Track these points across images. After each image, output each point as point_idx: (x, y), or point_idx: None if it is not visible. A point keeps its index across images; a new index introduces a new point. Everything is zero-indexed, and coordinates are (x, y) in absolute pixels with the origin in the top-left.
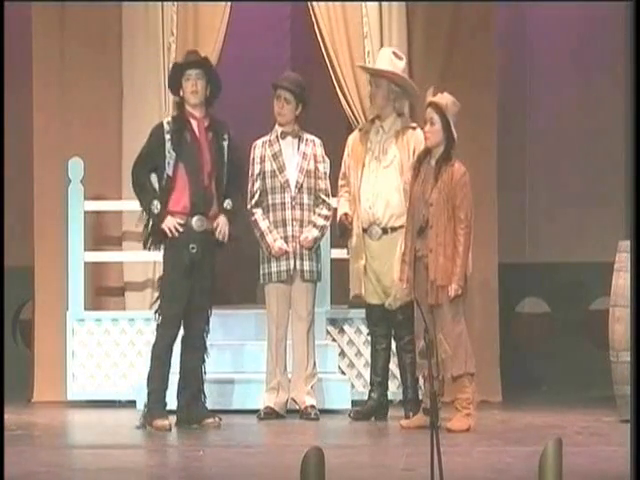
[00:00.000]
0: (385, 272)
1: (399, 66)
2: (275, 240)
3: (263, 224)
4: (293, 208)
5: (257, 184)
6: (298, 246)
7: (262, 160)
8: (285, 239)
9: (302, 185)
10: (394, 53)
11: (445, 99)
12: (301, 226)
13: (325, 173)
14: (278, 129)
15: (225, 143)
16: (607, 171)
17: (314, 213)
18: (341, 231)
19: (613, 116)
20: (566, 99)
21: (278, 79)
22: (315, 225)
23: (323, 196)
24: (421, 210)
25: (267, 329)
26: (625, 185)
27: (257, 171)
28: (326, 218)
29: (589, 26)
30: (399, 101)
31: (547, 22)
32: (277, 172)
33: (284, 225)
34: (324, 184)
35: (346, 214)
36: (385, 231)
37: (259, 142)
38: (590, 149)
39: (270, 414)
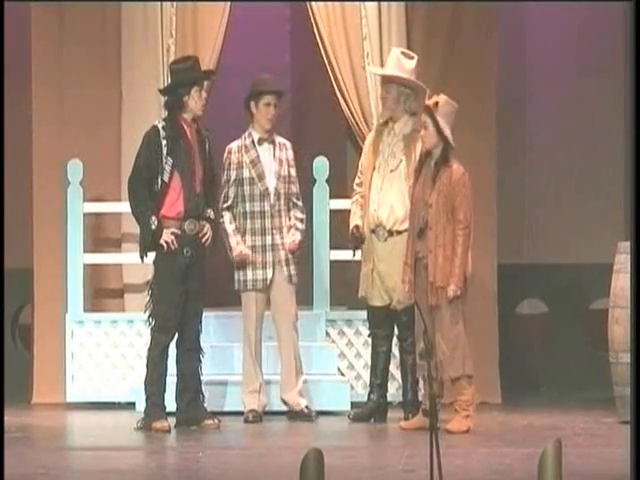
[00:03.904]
0: (389, 273)
1: (408, 66)
2: (238, 244)
3: (229, 227)
4: (272, 216)
5: (232, 190)
6: (282, 252)
7: (239, 166)
8: (264, 247)
9: (280, 192)
10: (403, 53)
11: (437, 100)
12: (280, 233)
13: (296, 177)
14: (255, 135)
15: (207, 148)
16: (607, 172)
17: (289, 218)
18: (354, 243)
19: (613, 116)
20: (566, 99)
21: (263, 84)
22: (297, 229)
23: (295, 200)
24: (421, 212)
25: (244, 335)
26: (625, 186)
27: (233, 177)
28: (302, 221)
29: (589, 26)
30: (410, 102)
31: (547, 22)
32: (256, 180)
33: (263, 234)
34: (296, 188)
35: (357, 226)
36: (391, 233)
37: (234, 147)
38: (590, 150)
39: (256, 417)
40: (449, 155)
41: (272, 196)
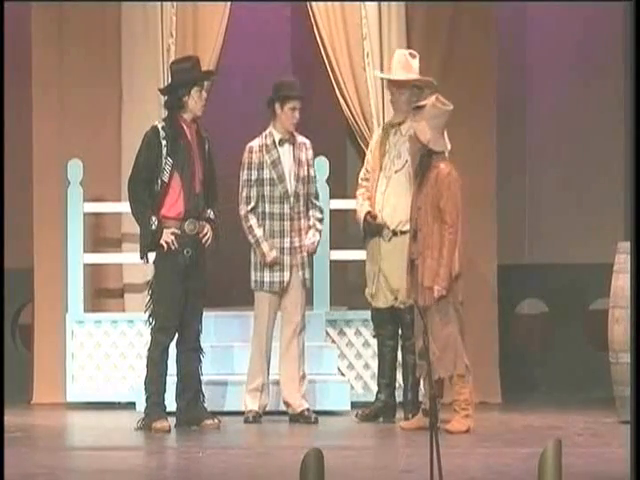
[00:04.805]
0: (393, 273)
1: (415, 66)
2: (271, 249)
3: (259, 231)
4: (292, 219)
5: (254, 190)
6: (298, 256)
7: (260, 167)
8: (282, 250)
9: (299, 194)
10: (410, 54)
11: (422, 102)
12: (299, 236)
13: (315, 177)
14: (276, 135)
15: (207, 148)
16: (606, 172)
17: (308, 219)
18: (370, 230)
19: (613, 116)
20: (566, 99)
21: (290, 88)
22: (317, 229)
23: (314, 200)
24: (414, 214)
25: (255, 333)
26: (625, 186)
27: (254, 177)
28: (321, 221)
29: (589, 26)
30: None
31: (547, 22)
32: (277, 181)
33: (282, 236)
34: (314, 188)
35: (369, 212)
36: (395, 234)
37: (255, 146)
38: (590, 149)
39: (256, 417)
40: (432, 157)
41: (292, 198)
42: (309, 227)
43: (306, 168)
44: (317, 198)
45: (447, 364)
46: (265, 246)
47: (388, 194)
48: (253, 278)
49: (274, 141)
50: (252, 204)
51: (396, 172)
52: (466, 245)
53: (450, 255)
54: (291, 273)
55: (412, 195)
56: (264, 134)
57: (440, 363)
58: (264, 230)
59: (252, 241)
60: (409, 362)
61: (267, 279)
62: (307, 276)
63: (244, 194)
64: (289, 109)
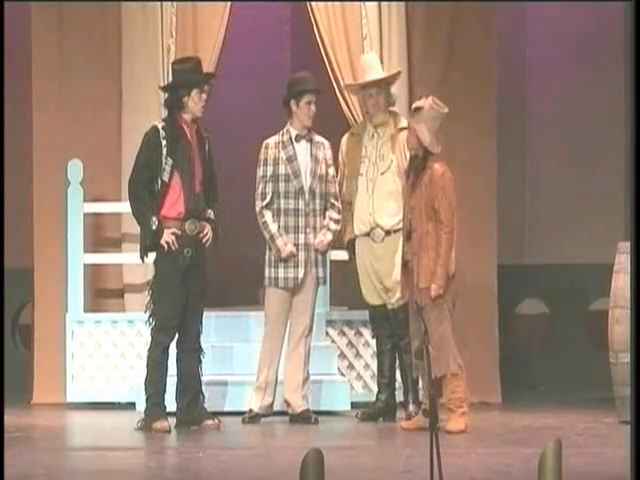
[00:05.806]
0: (388, 273)
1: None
2: (286, 244)
3: (273, 227)
4: (306, 215)
5: (269, 186)
6: (313, 253)
7: (276, 162)
8: (296, 246)
9: (315, 191)
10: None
11: (421, 104)
12: (314, 233)
13: (334, 176)
14: (292, 131)
15: (207, 148)
16: (607, 172)
17: (324, 218)
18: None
19: (613, 116)
20: (566, 99)
21: (304, 83)
22: (329, 229)
23: (332, 200)
24: (407, 214)
25: (265, 330)
26: (625, 186)
27: (269, 173)
28: (337, 222)
29: (589, 26)
30: (393, 99)
31: (547, 22)
32: (292, 177)
33: (296, 232)
34: (333, 188)
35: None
36: (388, 233)
37: (271, 142)
38: (590, 150)
39: (254, 418)
40: (427, 158)
41: (307, 194)
42: (323, 226)
43: (324, 167)
44: (336, 199)
45: (442, 363)
46: (280, 241)
47: (378, 196)
48: (266, 275)
49: (290, 137)
50: (267, 200)
51: (382, 174)
52: (460, 245)
53: (447, 255)
54: (305, 270)
55: (405, 196)
56: (281, 131)
57: (436, 362)
58: (279, 226)
59: (267, 237)
60: (406, 362)
61: (281, 275)
62: (321, 274)
63: (259, 190)
64: (305, 104)
